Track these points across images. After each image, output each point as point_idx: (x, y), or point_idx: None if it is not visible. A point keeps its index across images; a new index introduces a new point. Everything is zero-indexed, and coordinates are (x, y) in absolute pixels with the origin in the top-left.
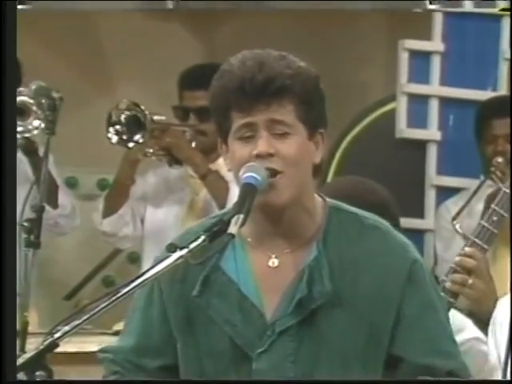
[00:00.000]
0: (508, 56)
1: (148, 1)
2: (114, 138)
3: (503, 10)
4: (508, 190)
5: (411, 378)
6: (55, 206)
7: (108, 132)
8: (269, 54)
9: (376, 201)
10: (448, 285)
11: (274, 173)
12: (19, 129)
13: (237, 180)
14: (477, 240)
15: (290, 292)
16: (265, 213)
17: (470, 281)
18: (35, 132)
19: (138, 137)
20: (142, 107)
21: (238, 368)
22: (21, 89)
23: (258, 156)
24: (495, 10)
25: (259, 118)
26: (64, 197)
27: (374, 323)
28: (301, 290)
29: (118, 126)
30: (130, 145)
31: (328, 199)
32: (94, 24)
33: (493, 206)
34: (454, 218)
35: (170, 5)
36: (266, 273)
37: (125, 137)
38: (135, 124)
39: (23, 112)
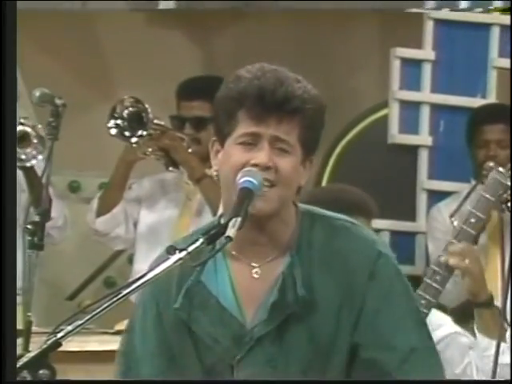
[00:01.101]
0: (497, 64)
1: (147, 1)
2: (113, 131)
3: (502, 10)
4: (484, 194)
5: (364, 372)
6: (48, 218)
7: (108, 123)
8: (285, 73)
9: (350, 200)
10: (452, 261)
11: (266, 184)
12: (22, 157)
13: (224, 182)
14: (456, 242)
15: (265, 299)
16: (249, 221)
17: (467, 260)
18: (34, 162)
19: (140, 132)
20: (146, 105)
21: (225, 378)
22: (24, 120)
23: (256, 166)
24: (485, 18)
25: (266, 131)
26: (56, 209)
27: (343, 322)
28: (273, 295)
29: (119, 121)
30: (133, 140)
31: (300, 204)
32: (95, 29)
33: (470, 208)
34: (451, 216)
35: (169, 5)
36: (248, 283)
37: (124, 132)
38: (136, 121)
39: (23, 140)
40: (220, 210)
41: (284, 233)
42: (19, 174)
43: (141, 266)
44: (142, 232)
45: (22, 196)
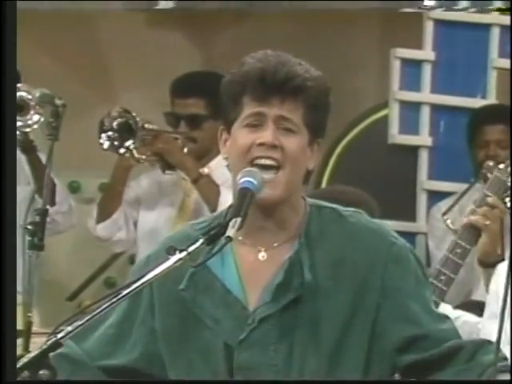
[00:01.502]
0: (497, 64)
1: (147, 1)
2: (106, 144)
3: (501, 10)
4: (487, 192)
5: (395, 352)
6: (52, 203)
7: (100, 138)
8: (289, 57)
9: (351, 201)
10: (473, 218)
11: (273, 167)
12: (18, 124)
13: (232, 168)
14: (460, 241)
15: (270, 282)
16: (258, 207)
17: (488, 222)
18: (35, 126)
19: (129, 143)
20: (134, 114)
21: (225, 362)
22: (19, 84)
23: (262, 145)
24: (485, 19)
25: (270, 111)
26: (61, 194)
27: (356, 309)
28: (278, 277)
29: (110, 133)
30: (122, 151)
31: (307, 198)
32: (94, 29)
33: (473, 206)
34: (444, 213)
35: (164, 5)
36: (254, 267)
37: (116, 143)
38: (127, 130)
39: (22, 107)
40: (221, 207)
41: (292, 219)
42: (24, 163)
43: None
44: (142, 232)
45: (28, 189)
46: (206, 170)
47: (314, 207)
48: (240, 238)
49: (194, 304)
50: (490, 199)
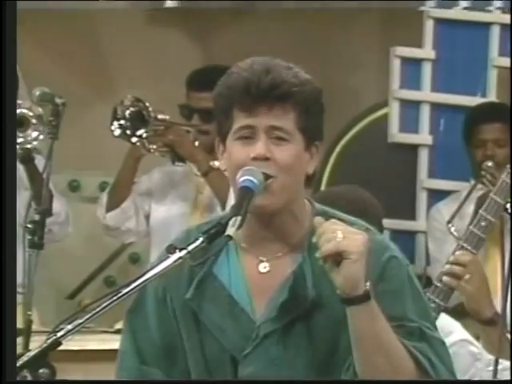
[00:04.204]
0: (497, 63)
1: (148, 1)
2: (117, 132)
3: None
4: (495, 197)
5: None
6: (49, 213)
7: (112, 125)
8: (277, 62)
9: (359, 209)
10: (445, 279)
11: (267, 177)
12: (19, 140)
13: (232, 181)
14: (465, 245)
15: (274, 297)
16: (256, 216)
17: (467, 276)
18: (34, 143)
19: (140, 132)
20: (147, 104)
21: (231, 373)
22: (19, 101)
23: (255, 159)
24: (485, 17)
25: (260, 122)
26: (58, 205)
27: (346, 324)
28: (283, 294)
29: (122, 121)
30: (133, 139)
31: (316, 204)
32: (95, 28)
33: (481, 211)
34: (448, 222)
35: (170, 4)
36: (257, 278)
37: (128, 132)
38: (139, 120)
39: (22, 124)
40: (231, 200)
41: (295, 229)
42: (21, 170)
43: None
44: (154, 226)
45: (25, 194)
46: (216, 163)
47: (321, 216)
48: (243, 245)
49: (201, 313)
50: (461, 257)
